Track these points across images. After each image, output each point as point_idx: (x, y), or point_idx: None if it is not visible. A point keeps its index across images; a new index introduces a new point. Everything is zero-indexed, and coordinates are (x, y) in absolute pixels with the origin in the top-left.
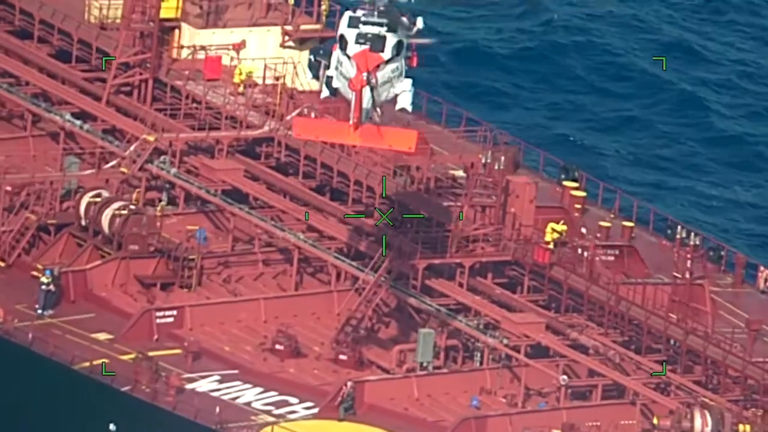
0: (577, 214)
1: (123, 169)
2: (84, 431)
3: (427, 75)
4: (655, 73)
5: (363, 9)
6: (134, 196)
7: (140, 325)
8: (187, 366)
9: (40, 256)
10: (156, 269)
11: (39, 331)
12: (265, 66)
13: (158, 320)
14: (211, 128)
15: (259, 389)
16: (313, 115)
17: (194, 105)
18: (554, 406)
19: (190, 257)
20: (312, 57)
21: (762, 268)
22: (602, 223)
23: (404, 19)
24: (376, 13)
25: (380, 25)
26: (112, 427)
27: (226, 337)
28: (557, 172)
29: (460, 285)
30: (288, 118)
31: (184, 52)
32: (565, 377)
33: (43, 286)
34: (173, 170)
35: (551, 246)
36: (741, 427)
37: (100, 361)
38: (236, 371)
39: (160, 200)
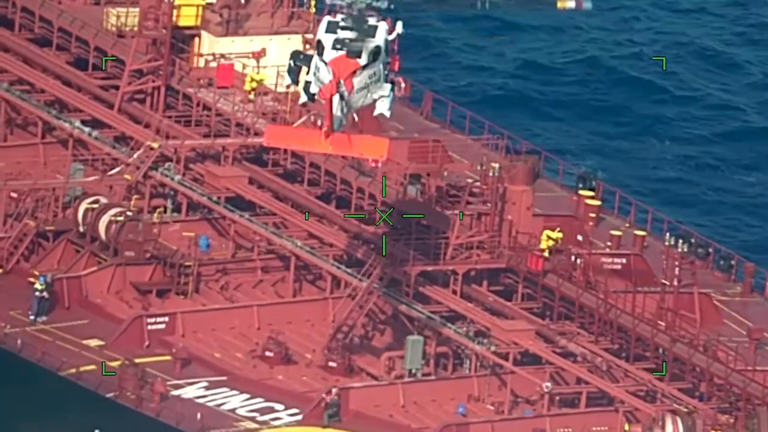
0: (591, 223)
1: (127, 176)
2: None
3: (451, 83)
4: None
5: (342, 13)
6: (132, 202)
7: (131, 331)
8: (175, 372)
9: (38, 263)
10: (152, 276)
11: (29, 338)
12: (278, 73)
13: (149, 327)
14: (219, 135)
15: (245, 396)
16: (319, 123)
17: (205, 112)
18: (538, 413)
19: (187, 264)
20: (292, 62)
21: None
22: (614, 232)
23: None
24: (353, 18)
25: (357, 30)
26: None
27: (218, 344)
28: (575, 181)
29: (454, 292)
30: (295, 125)
31: (204, 60)
32: (548, 384)
33: (37, 293)
34: (177, 177)
35: (546, 253)
36: None
37: (87, 368)
38: (224, 378)
39: (165, 207)
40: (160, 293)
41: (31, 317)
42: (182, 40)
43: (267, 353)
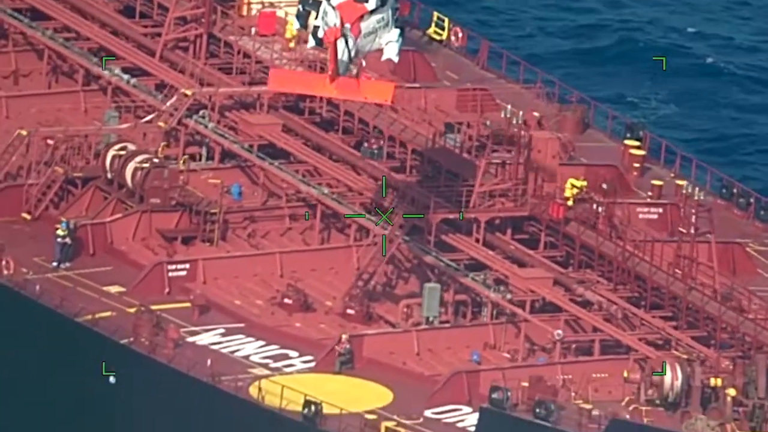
0: (635, 173)
1: (161, 123)
2: (85, 384)
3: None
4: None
5: None
6: (160, 149)
7: (152, 278)
8: (193, 319)
9: (66, 210)
10: (178, 223)
11: (49, 284)
12: None
13: (170, 273)
14: (258, 83)
15: (261, 343)
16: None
17: (246, 61)
18: (551, 361)
19: (212, 211)
20: (301, 6)
21: None
22: (654, 182)
23: None
24: None
25: None
26: (111, 379)
27: (239, 291)
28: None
29: (477, 240)
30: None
31: (254, 9)
32: (560, 332)
33: (59, 239)
34: (211, 125)
35: (570, 202)
36: (713, 380)
37: (104, 314)
38: (242, 325)
39: (199, 155)
40: (186, 240)
41: (54, 264)
42: None
43: (286, 300)
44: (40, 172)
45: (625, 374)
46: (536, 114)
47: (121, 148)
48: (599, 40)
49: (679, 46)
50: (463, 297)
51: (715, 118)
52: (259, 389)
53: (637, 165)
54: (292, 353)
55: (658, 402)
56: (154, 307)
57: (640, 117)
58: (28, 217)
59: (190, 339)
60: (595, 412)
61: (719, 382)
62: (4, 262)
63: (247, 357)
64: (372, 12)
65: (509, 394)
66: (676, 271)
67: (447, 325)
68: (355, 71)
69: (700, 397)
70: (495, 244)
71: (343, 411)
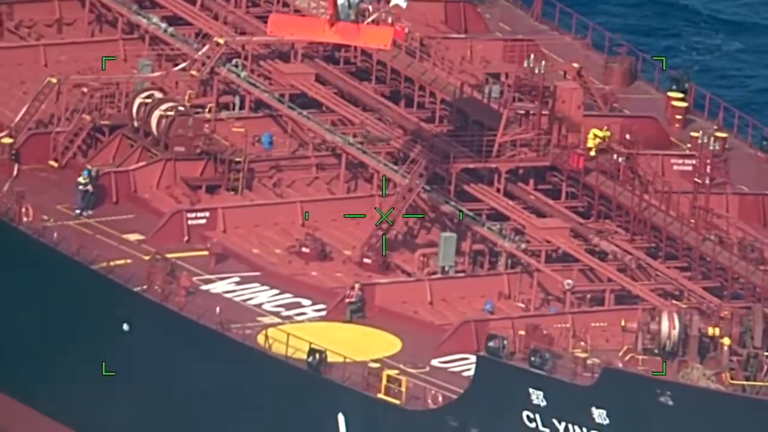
0: (677, 125)
1: (193, 72)
2: (99, 330)
3: None
4: None
5: None
6: (187, 97)
7: (171, 226)
8: (210, 267)
9: (93, 158)
10: (203, 172)
11: (68, 231)
12: None
13: (190, 222)
14: None
15: (275, 291)
16: (390, 20)
17: (284, 10)
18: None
19: (237, 160)
20: None
21: None
22: (693, 134)
23: None
24: None
25: None
26: (125, 326)
27: (258, 240)
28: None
29: (498, 190)
30: (369, 20)
31: None
32: (570, 281)
33: (81, 187)
34: (243, 74)
35: (593, 152)
36: (711, 329)
37: (120, 262)
38: (258, 273)
39: (233, 104)
40: (211, 189)
41: (77, 211)
42: None
43: (303, 249)
44: (70, 120)
45: (623, 323)
46: (575, 65)
47: (148, 96)
48: None
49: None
50: (480, 247)
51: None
52: (266, 337)
53: (679, 117)
54: (305, 302)
55: (656, 351)
56: (171, 256)
57: (687, 69)
58: (56, 164)
59: (205, 287)
60: (590, 361)
61: (717, 331)
62: (23, 209)
63: (259, 305)
64: None
65: (505, 342)
66: (691, 221)
67: (461, 274)
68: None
69: (698, 347)
70: (516, 194)
71: (347, 359)
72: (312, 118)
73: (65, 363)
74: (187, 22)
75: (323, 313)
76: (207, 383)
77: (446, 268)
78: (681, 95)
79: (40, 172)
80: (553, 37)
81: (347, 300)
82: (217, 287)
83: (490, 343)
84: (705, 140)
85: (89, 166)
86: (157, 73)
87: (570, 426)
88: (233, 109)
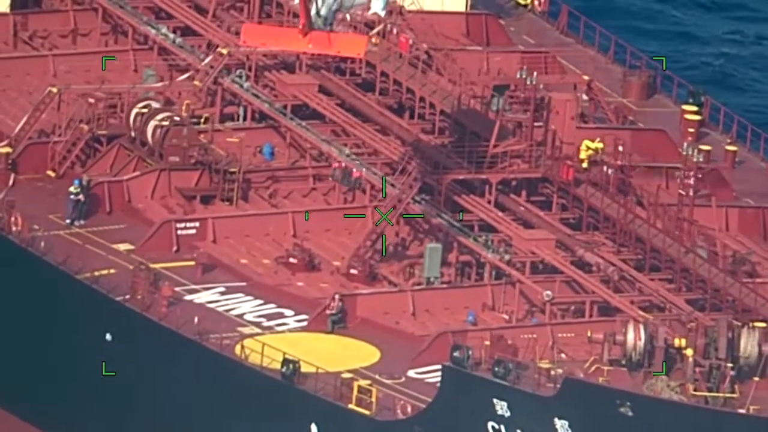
0: (690, 138)
1: (196, 82)
2: (82, 340)
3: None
4: None
5: None
6: (183, 107)
7: (160, 236)
8: (196, 277)
9: (90, 167)
10: (198, 182)
11: (58, 241)
12: None
13: (179, 232)
14: None
15: (259, 301)
16: (395, 31)
17: (295, 20)
18: (541, 322)
19: (231, 170)
20: None
21: None
22: (702, 147)
23: None
24: None
25: None
26: (108, 336)
27: (248, 250)
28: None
29: (489, 202)
30: (374, 32)
31: None
32: (549, 293)
33: (72, 196)
34: (246, 84)
35: (585, 164)
36: (677, 341)
37: (105, 271)
38: (243, 283)
39: (237, 115)
40: (206, 200)
41: (67, 221)
42: None
43: (291, 260)
44: (70, 130)
45: (589, 334)
46: (585, 77)
47: (145, 106)
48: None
49: None
50: (468, 258)
51: None
52: (242, 347)
53: (692, 130)
54: (288, 312)
55: (623, 362)
56: (158, 265)
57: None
58: (53, 174)
59: (189, 297)
60: (554, 372)
61: (683, 342)
62: (12, 219)
63: (241, 316)
64: None
65: (470, 352)
66: (676, 233)
67: (444, 285)
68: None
69: (666, 358)
70: (507, 205)
71: (319, 370)
72: (310, 128)
73: (49, 371)
74: (197, 33)
75: (305, 323)
76: (185, 393)
77: (432, 279)
78: (695, 108)
79: (37, 182)
80: (576, 50)
81: (328, 311)
82: (201, 297)
83: (455, 354)
84: (689, 152)
85: (86, 176)
86: (159, 84)
87: None
88: (237, 119)
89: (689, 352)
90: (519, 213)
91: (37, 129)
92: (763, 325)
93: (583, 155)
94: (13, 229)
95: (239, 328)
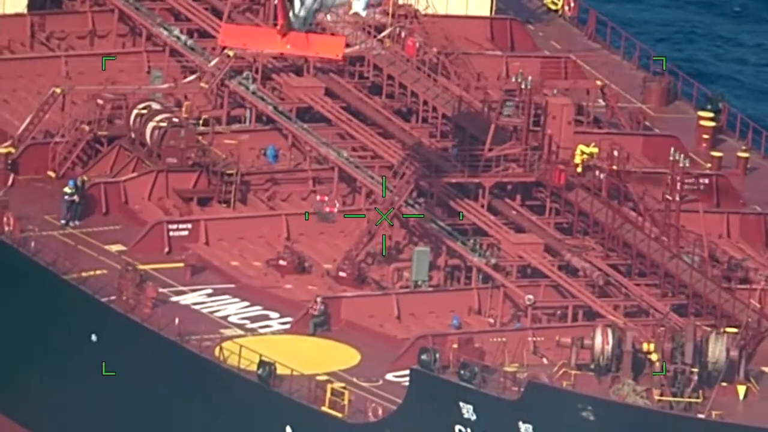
0: (704, 145)
1: (203, 84)
2: (68, 341)
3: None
4: None
5: None
6: (183, 108)
7: (152, 237)
8: (185, 279)
9: (90, 168)
10: (196, 184)
11: (50, 242)
12: None
13: (172, 233)
14: None
15: (245, 303)
16: (403, 34)
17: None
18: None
19: (229, 172)
20: None
21: None
22: (714, 153)
23: None
24: None
25: None
26: (93, 337)
27: (240, 252)
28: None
29: (482, 206)
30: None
31: None
32: (530, 297)
33: (66, 197)
34: (252, 86)
35: (579, 168)
36: (645, 345)
37: (95, 272)
38: (232, 285)
39: (244, 117)
40: (204, 202)
41: (62, 221)
42: None
43: (281, 262)
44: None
45: (557, 338)
46: (598, 82)
47: (144, 107)
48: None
49: None
50: (457, 262)
51: None
52: (220, 349)
53: (706, 136)
54: (273, 314)
55: (592, 367)
56: (148, 267)
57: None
58: (53, 175)
59: (176, 298)
60: (520, 376)
61: (652, 347)
62: (5, 219)
63: (225, 317)
64: None
65: (437, 356)
66: (662, 239)
67: (430, 289)
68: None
69: (634, 363)
70: (500, 209)
71: (294, 372)
72: (311, 131)
73: (36, 372)
74: (210, 35)
75: (289, 326)
76: (166, 394)
77: (419, 283)
78: (711, 115)
79: (36, 183)
80: (601, 55)
81: (311, 313)
82: (187, 299)
83: (423, 356)
84: (676, 157)
85: (82, 177)
86: (165, 85)
87: None
88: (244, 121)
89: (654, 356)
90: (511, 217)
91: (42, 129)
92: (734, 330)
93: (577, 159)
94: (6, 229)
95: (222, 330)
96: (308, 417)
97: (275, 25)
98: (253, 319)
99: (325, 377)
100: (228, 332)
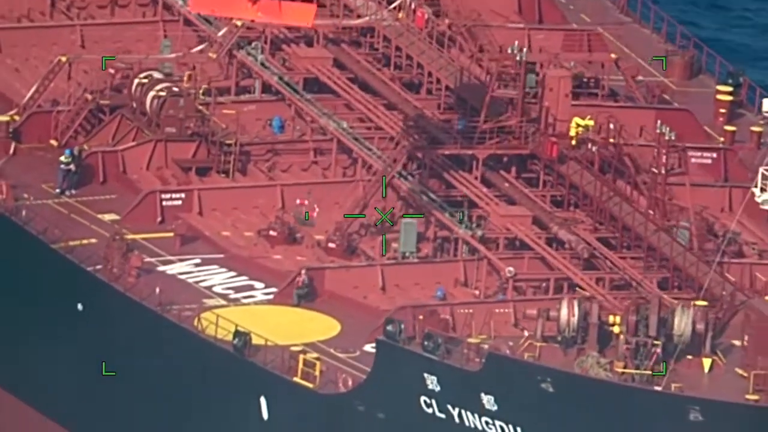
0: (721, 119)
1: (211, 54)
2: (54, 310)
3: None
4: None
5: None
6: (185, 77)
7: (145, 206)
8: (174, 248)
9: (92, 137)
10: (196, 153)
11: (43, 210)
12: None
13: (165, 203)
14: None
15: (232, 273)
16: (413, 6)
17: None
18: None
19: (228, 142)
20: None
21: None
22: (727, 128)
23: None
24: None
25: None
26: (79, 306)
27: (233, 223)
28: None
29: (476, 178)
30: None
31: None
32: (511, 269)
33: (62, 166)
34: (261, 57)
35: (574, 141)
36: (611, 317)
37: (85, 241)
38: (220, 255)
39: (253, 87)
40: (203, 171)
41: (57, 190)
42: None
43: (271, 233)
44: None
45: (524, 311)
46: (613, 56)
47: (146, 77)
48: None
49: None
50: (446, 233)
51: None
52: (199, 319)
53: (723, 110)
54: (258, 284)
55: (559, 339)
56: (139, 236)
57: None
58: (56, 143)
59: (163, 268)
60: (483, 347)
61: (618, 320)
62: None
63: (210, 287)
64: None
65: (402, 326)
66: (650, 212)
67: (416, 260)
68: None
69: (600, 335)
70: (493, 181)
71: (269, 342)
72: (313, 102)
73: (26, 341)
74: None
75: (272, 296)
76: (145, 363)
77: (407, 254)
78: (729, 89)
79: (38, 151)
80: (631, 29)
81: (299, 282)
82: (174, 268)
83: (388, 327)
84: (662, 130)
85: (79, 147)
86: (173, 54)
87: (463, 412)
88: (253, 92)
89: (617, 329)
90: (504, 189)
91: (49, 98)
92: (703, 303)
93: (572, 132)
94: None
95: (205, 300)
96: (281, 387)
97: None
98: (237, 289)
99: (299, 348)
100: (211, 302)
